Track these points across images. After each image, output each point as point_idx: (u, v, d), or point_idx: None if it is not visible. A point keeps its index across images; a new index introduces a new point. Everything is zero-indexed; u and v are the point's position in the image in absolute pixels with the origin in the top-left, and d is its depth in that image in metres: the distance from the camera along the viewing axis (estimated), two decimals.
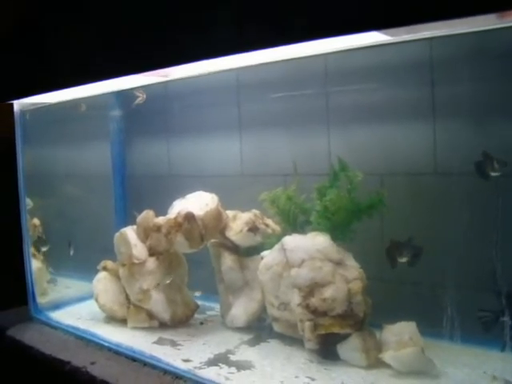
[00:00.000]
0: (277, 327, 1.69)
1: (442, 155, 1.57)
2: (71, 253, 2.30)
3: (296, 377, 1.44)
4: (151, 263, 1.89)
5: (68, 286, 2.50)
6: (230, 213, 1.90)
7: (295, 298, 1.54)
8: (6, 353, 1.95)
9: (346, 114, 1.78)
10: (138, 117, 2.39)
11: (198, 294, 2.04)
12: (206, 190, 1.93)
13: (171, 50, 1.40)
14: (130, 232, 1.95)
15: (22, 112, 2.18)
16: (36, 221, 2.39)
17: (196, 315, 1.97)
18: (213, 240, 1.91)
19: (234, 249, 1.89)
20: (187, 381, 1.48)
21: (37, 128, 2.31)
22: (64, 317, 2.09)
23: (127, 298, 1.95)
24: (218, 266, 1.89)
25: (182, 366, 1.55)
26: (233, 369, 1.52)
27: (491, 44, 1.36)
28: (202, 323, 1.94)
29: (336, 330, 1.48)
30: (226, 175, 2.15)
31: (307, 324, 1.50)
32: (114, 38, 1.56)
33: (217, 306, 1.99)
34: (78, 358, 1.67)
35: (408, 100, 1.64)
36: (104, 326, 1.96)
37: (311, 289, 1.52)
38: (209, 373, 1.50)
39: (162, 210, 1.93)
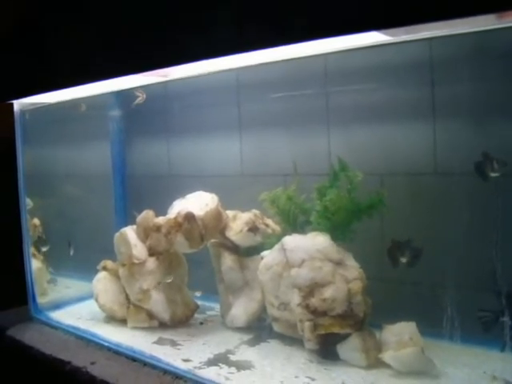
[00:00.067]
0: (277, 327, 1.69)
1: (442, 155, 1.57)
2: (71, 253, 2.30)
3: (296, 377, 1.44)
4: (151, 263, 1.89)
5: (68, 286, 2.50)
6: (230, 213, 1.90)
7: (295, 298, 1.54)
8: (6, 353, 1.95)
9: (346, 114, 1.78)
10: (137, 117, 2.39)
11: (198, 294, 2.04)
12: (206, 190, 1.93)
13: (171, 49, 1.40)
14: (129, 232, 1.95)
15: (22, 112, 2.18)
16: (36, 221, 2.39)
17: (196, 315, 1.97)
18: (213, 240, 1.91)
19: (234, 249, 1.89)
20: (187, 381, 1.48)
21: (37, 128, 2.31)
22: (64, 317, 2.09)
23: (127, 297, 1.95)
24: (218, 265, 1.89)
25: (182, 366, 1.55)
26: (233, 369, 1.52)
27: (491, 44, 1.36)
28: (201, 323, 1.94)
29: (336, 330, 1.48)
30: (226, 175, 2.15)
31: (307, 324, 1.50)
32: (114, 38, 1.56)
33: (217, 306, 1.99)
34: (78, 358, 1.67)
35: (408, 100, 1.64)
36: (104, 325, 1.96)
37: (311, 289, 1.52)
38: (209, 373, 1.50)
39: (161, 210, 1.93)
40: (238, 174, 2.12)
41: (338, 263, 1.56)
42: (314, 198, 1.69)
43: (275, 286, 1.65)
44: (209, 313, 2.03)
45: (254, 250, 1.85)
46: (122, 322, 1.94)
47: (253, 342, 1.72)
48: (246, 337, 1.76)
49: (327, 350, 1.52)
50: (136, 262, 1.89)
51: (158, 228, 1.86)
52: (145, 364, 1.61)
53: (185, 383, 1.47)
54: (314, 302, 1.50)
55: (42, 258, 2.37)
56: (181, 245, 1.82)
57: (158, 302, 1.87)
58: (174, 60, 1.42)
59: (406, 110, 1.64)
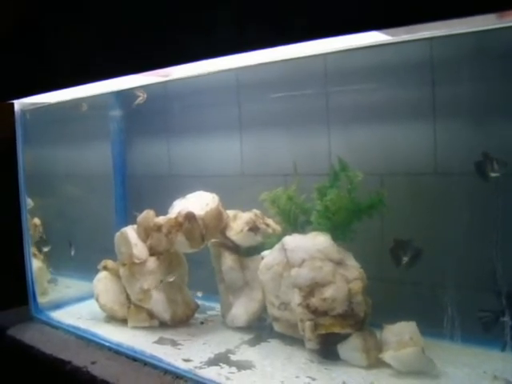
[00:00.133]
0: (277, 327, 1.69)
1: (442, 155, 1.57)
2: (72, 253, 2.31)
3: (296, 377, 1.44)
4: (152, 263, 1.89)
5: (68, 286, 2.50)
6: (230, 213, 1.90)
7: (296, 298, 1.54)
8: (7, 352, 1.96)
9: (346, 113, 1.78)
10: (138, 117, 2.39)
11: (199, 294, 2.04)
12: (206, 190, 1.93)
13: (171, 49, 1.40)
14: (130, 232, 1.95)
15: (23, 111, 2.18)
16: (36, 220, 2.39)
17: (196, 315, 1.97)
18: (213, 240, 1.91)
19: (235, 249, 1.89)
20: (188, 380, 1.48)
21: (37, 127, 2.31)
22: (64, 316, 2.09)
23: (128, 297, 1.95)
24: (219, 265, 1.89)
25: (183, 366, 1.55)
26: (233, 368, 1.52)
27: (491, 44, 1.36)
28: (202, 323, 1.94)
29: (336, 329, 1.48)
30: (227, 175, 2.15)
31: (308, 324, 1.50)
32: (114, 37, 1.56)
33: (217, 306, 1.99)
34: (78, 358, 1.67)
35: (408, 100, 1.64)
36: (104, 325, 1.96)
37: (311, 289, 1.52)
38: (209, 372, 1.50)
39: (162, 210, 1.93)
40: (238, 174, 2.12)
41: (339, 263, 1.56)
42: (315, 198, 1.69)
43: (276, 285, 1.65)
44: (209, 312, 2.04)
45: (254, 250, 1.85)
46: (123, 321, 1.95)
47: (253, 342, 1.72)
48: (247, 336, 1.76)
49: (328, 350, 1.53)
50: (136, 261, 1.89)
51: (158, 228, 1.86)
52: (145, 364, 1.61)
53: (185, 383, 1.47)
54: (315, 301, 1.50)
55: (43, 257, 2.37)
56: (181, 244, 1.82)
57: (158, 302, 1.87)
58: (174, 60, 1.42)
59: (406, 110, 1.64)
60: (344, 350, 1.50)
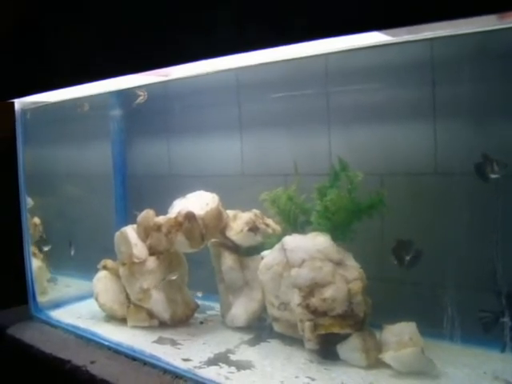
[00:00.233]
0: (277, 327, 1.69)
1: (442, 155, 1.57)
2: (72, 252, 2.31)
3: (296, 377, 1.44)
4: (151, 262, 1.89)
5: (68, 285, 2.51)
6: (230, 212, 1.90)
7: (295, 298, 1.54)
8: (6, 352, 1.96)
9: (346, 114, 1.78)
10: (138, 116, 2.39)
11: (199, 294, 2.04)
12: (206, 190, 1.93)
13: (171, 49, 1.40)
14: (130, 231, 1.95)
15: (23, 111, 2.18)
16: (36, 220, 2.39)
17: (196, 315, 1.97)
18: (213, 240, 1.91)
19: (235, 248, 1.89)
20: (187, 380, 1.48)
21: (38, 127, 2.31)
22: (64, 316, 2.09)
23: (127, 297, 1.95)
24: (219, 265, 1.89)
25: (182, 366, 1.55)
26: (233, 368, 1.52)
27: (492, 45, 1.36)
28: (202, 323, 1.94)
29: (336, 330, 1.48)
30: (227, 175, 2.15)
31: (307, 324, 1.50)
32: (114, 37, 1.56)
33: (217, 306, 1.99)
34: (78, 357, 1.67)
35: (409, 100, 1.64)
36: (104, 325, 1.96)
37: (311, 289, 1.52)
38: (209, 372, 1.50)
39: (162, 210, 1.93)
40: (238, 174, 2.12)
41: (339, 263, 1.56)
42: (315, 198, 1.69)
43: (275, 285, 1.65)
44: (209, 312, 2.04)
45: (254, 250, 1.85)
46: (122, 321, 1.95)
47: (253, 342, 1.72)
48: (247, 336, 1.76)
49: (327, 350, 1.53)
50: (136, 261, 1.89)
51: (158, 227, 1.86)
52: (145, 363, 1.61)
53: (185, 383, 1.47)
54: (315, 301, 1.50)
55: (43, 256, 2.37)
56: (181, 244, 1.82)
57: (158, 302, 1.87)
58: (174, 60, 1.42)
59: (406, 110, 1.64)
60: (344, 350, 1.50)
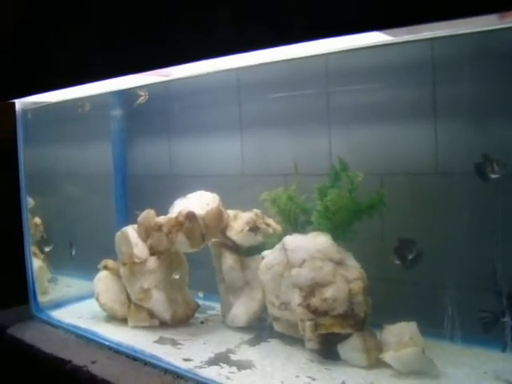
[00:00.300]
0: (277, 327, 1.69)
1: (442, 155, 1.57)
2: (73, 252, 2.31)
3: (297, 376, 1.44)
4: (152, 262, 1.89)
5: (69, 285, 2.51)
6: (230, 212, 1.90)
7: (296, 298, 1.54)
8: (7, 352, 1.96)
9: (346, 114, 1.78)
10: (139, 116, 2.39)
11: (200, 294, 2.04)
12: (207, 190, 1.93)
13: (171, 49, 1.40)
14: (131, 231, 1.95)
15: (24, 111, 2.18)
16: (37, 220, 2.39)
17: (197, 314, 1.97)
18: (214, 239, 1.91)
19: (235, 248, 1.89)
20: (188, 380, 1.48)
21: (38, 127, 2.31)
22: (65, 316, 2.09)
23: (128, 297, 1.95)
24: (219, 265, 1.89)
25: (183, 366, 1.55)
26: (233, 368, 1.52)
27: (492, 44, 1.35)
28: (202, 322, 1.94)
29: (337, 329, 1.48)
30: (227, 175, 2.15)
31: (308, 324, 1.50)
32: (114, 37, 1.56)
33: (217, 306, 1.99)
34: (78, 357, 1.68)
35: (409, 100, 1.63)
36: (105, 325, 1.97)
37: (312, 289, 1.52)
38: (209, 372, 1.50)
39: (163, 210, 1.93)
40: (238, 174, 2.12)
41: (339, 263, 1.56)
42: (315, 198, 1.69)
43: (276, 285, 1.65)
44: (209, 312, 2.04)
45: (254, 250, 1.85)
46: (123, 321, 1.95)
47: (253, 342, 1.72)
48: (247, 336, 1.77)
49: (328, 350, 1.53)
50: (137, 261, 1.89)
51: (159, 227, 1.86)
52: (145, 363, 1.61)
53: (185, 383, 1.47)
54: (315, 301, 1.50)
55: (43, 256, 2.37)
56: (182, 244, 1.83)
57: (158, 302, 1.87)
58: (174, 60, 1.42)
59: (406, 110, 1.64)
60: (344, 350, 1.50)
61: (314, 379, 1.42)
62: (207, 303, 2.07)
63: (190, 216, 1.80)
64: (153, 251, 1.91)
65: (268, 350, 1.65)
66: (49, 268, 2.42)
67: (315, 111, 1.85)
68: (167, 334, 1.83)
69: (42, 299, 2.21)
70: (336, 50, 1.37)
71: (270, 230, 1.81)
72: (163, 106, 2.31)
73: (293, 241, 1.63)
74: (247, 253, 1.87)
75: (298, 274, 1.55)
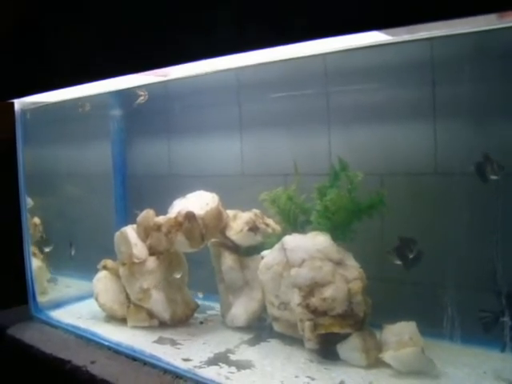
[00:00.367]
0: (277, 327, 1.69)
1: (442, 155, 1.57)
2: (72, 253, 2.31)
3: (296, 376, 1.44)
4: (151, 262, 1.89)
5: (68, 285, 2.51)
6: (230, 212, 1.90)
7: (295, 298, 1.54)
8: (7, 352, 1.96)
9: (346, 113, 1.78)
10: (138, 116, 2.39)
11: (200, 295, 2.04)
12: (206, 190, 1.93)
13: (171, 49, 1.40)
14: (130, 231, 1.95)
15: (23, 111, 2.18)
16: (36, 220, 2.39)
17: (196, 314, 1.97)
18: (213, 239, 1.91)
19: (235, 248, 1.89)
20: (187, 380, 1.48)
21: (37, 127, 2.31)
22: (64, 316, 2.09)
23: (127, 297, 1.95)
24: (219, 265, 1.89)
25: (182, 366, 1.55)
26: (233, 368, 1.52)
27: (492, 44, 1.36)
28: (202, 322, 1.94)
29: (336, 329, 1.48)
30: (227, 175, 2.15)
31: (307, 324, 1.50)
32: (114, 37, 1.56)
33: (217, 306, 1.99)
34: (78, 357, 1.67)
35: (408, 100, 1.64)
36: (104, 325, 1.96)
37: (311, 288, 1.52)
38: (209, 372, 1.50)
39: (162, 210, 1.93)
40: (238, 174, 2.12)
41: (338, 263, 1.56)
42: (315, 198, 1.69)
43: (275, 285, 1.65)
44: (209, 312, 2.04)
45: (254, 250, 1.85)
46: (122, 321, 1.95)
47: (253, 342, 1.72)
48: (246, 336, 1.77)
49: (327, 350, 1.53)
50: (136, 261, 1.89)
51: (158, 227, 1.86)
52: (145, 363, 1.61)
53: (185, 382, 1.47)
54: (314, 301, 1.50)
55: (43, 257, 2.37)
56: (181, 244, 1.82)
57: (158, 302, 1.87)
58: (174, 60, 1.42)
59: (406, 110, 1.64)
60: (343, 349, 1.50)
61: (313, 379, 1.42)
62: (207, 303, 2.08)
63: (190, 216, 1.80)
64: (152, 251, 1.91)
65: (267, 349, 1.65)
66: (48, 268, 2.42)
67: (315, 111, 1.85)
68: (166, 334, 1.83)
69: (41, 299, 2.20)
70: (336, 49, 1.37)
71: (270, 230, 1.81)
72: (163, 106, 2.31)
73: (292, 241, 1.63)
74: (246, 253, 1.88)
75: (298, 274, 1.55)
